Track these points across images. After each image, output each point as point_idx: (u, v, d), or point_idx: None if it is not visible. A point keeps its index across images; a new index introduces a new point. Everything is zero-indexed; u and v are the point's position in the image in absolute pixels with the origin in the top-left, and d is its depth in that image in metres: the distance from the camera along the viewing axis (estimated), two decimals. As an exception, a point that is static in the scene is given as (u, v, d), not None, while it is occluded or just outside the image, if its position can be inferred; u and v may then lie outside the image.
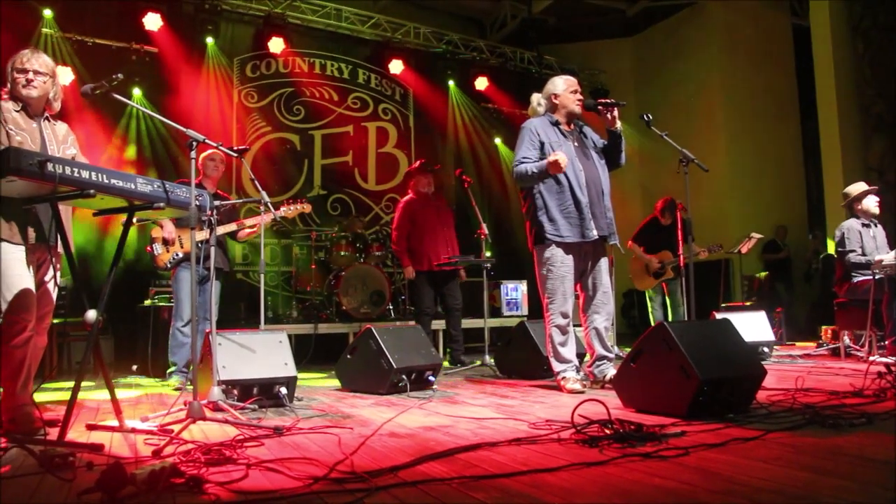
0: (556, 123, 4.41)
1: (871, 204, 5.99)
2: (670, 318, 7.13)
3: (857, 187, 6.08)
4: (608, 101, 4.34)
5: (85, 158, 3.34)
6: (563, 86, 4.44)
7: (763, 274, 9.16)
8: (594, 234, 4.22)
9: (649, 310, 7.41)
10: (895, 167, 8.46)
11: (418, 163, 6.81)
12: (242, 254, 8.41)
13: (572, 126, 4.47)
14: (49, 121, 3.30)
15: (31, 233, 3.08)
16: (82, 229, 6.95)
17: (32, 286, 3.07)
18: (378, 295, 7.32)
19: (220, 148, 3.72)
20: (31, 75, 3.16)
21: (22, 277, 3.02)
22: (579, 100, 4.41)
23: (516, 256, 9.40)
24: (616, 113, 4.33)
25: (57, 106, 3.33)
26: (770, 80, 10.54)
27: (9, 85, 3.18)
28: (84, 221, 6.81)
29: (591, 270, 4.35)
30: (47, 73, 3.22)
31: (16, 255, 3.03)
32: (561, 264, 4.24)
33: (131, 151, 7.80)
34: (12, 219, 3.02)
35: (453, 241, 6.44)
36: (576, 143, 4.38)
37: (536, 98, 4.57)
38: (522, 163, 4.28)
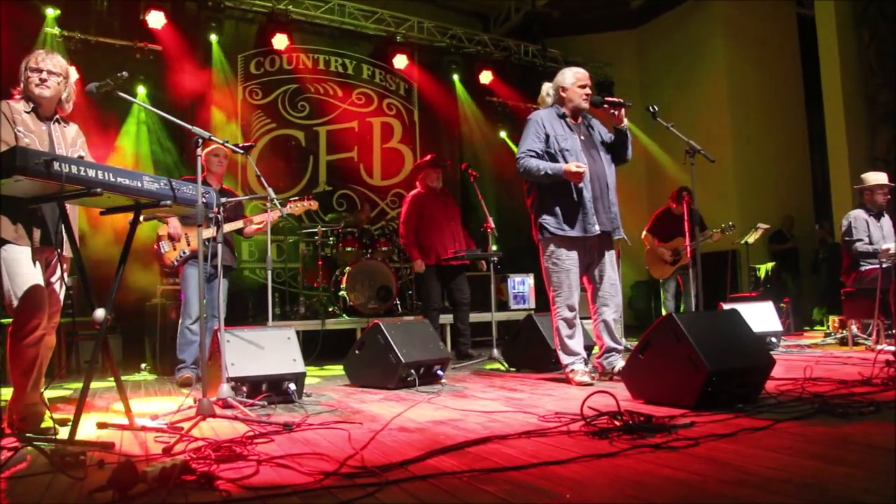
0: (562, 116, 4.38)
1: (881, 197, 5.99)
2: (682, 309, 7.13)
3: (877, 178, 6.05)
4: (615, 100, 4.32)
5: (93, 160, 3.34)
6: (571, 79, 4.39)
7: (770, 264, 9.14)
8: (596, 229, 4.21)
9: (662, 300, 7.42)
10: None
11: (429, 157, 6.79)
12: (249, 251, 8.43)
13: (579, 119, 4.45)
14: (59, 123, 3.30)
15: (37, 233, 3.08)
16: (91, 228, 6.96)
17: (42, 284, 3.07)
18: (385, 290, 7.32)
19: (226, 145, 3.71)
20: (44, 75, 3.17)
21: (31, 276, 3.02)
22: (587, 94, 4.37)
23: (523, 250, 9.33)
24: (623, 112, 4.32)
25: (69, 107, 3.33)
26: (775, 70, 10.46)
27: (21, 84, 3.18)
28: (92, 219, 6.83)
29: (597, 263, 4.35)
30: (61, 74, 3.24)
31: (23, 253, 3.03)
32: (566, 257, 4.24)
33: (136, 150, 7.79)
34: (18, 220, 3.01)
35: (460, 235, 6.44)
36: (582, 137, 4.36)
37: (546, 88, 4.55)
38: (530, 156, 4.25)
